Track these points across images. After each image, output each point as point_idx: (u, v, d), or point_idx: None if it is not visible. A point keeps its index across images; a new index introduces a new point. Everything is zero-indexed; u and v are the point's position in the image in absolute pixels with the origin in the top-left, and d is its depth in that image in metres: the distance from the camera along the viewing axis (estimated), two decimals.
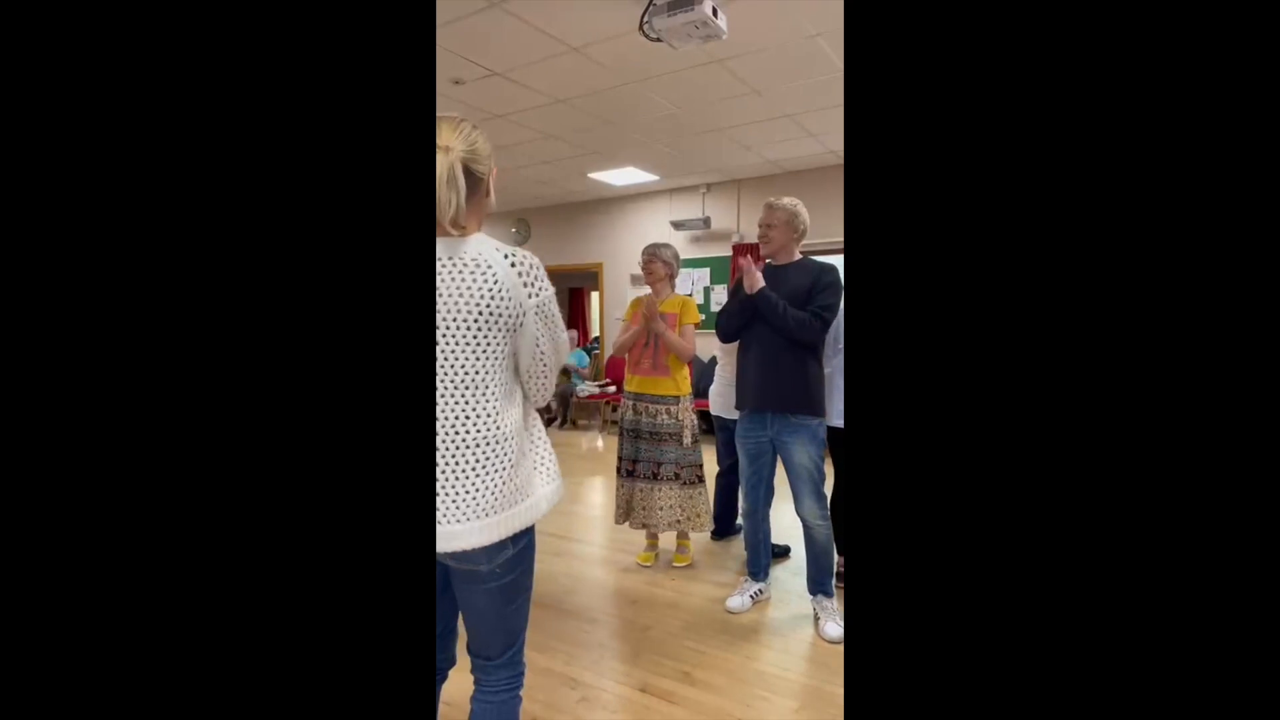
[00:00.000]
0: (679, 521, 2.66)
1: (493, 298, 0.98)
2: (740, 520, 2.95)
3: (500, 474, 1.01)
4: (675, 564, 2.77)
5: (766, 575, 2.43)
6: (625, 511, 2.74)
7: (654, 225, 6.25)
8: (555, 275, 7.73)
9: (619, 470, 2.77)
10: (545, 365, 1.07)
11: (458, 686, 1.15)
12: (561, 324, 1.09)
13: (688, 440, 2.66)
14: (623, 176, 5.67)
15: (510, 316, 0.99)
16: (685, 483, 2.66)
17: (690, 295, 5.90)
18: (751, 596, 2.37)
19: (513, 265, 0.99)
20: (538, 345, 1.04)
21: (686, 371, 2.71)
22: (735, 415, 2.40)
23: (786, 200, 2.19)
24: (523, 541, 1.07)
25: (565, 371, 6.79)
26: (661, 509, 2.66)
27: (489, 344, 0.99)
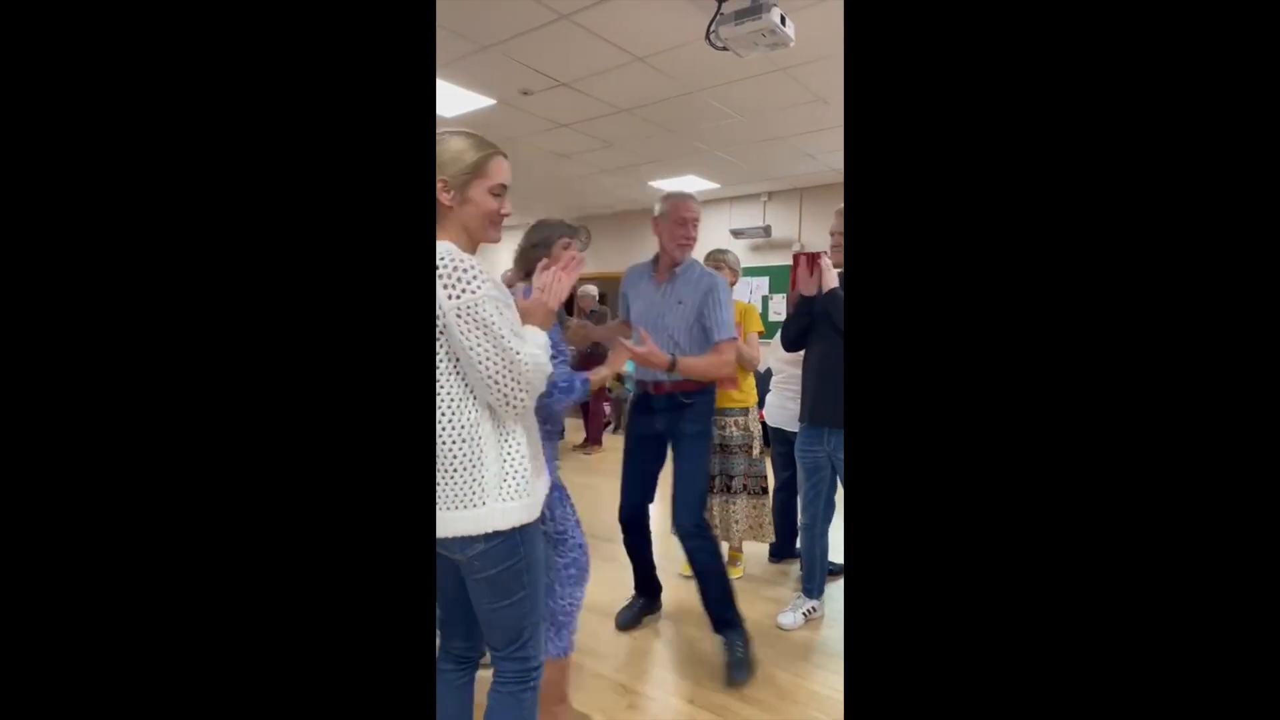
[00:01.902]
0: (748, 531, 2.63)
1: None
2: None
3: (438, 474, 1.03)
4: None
5: (821, 592, 2.37)
6: None
7: (714, 233, 6.23)
8: (613, 282, 7.81)
9: None
10: (484, 372, 1.00)
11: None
12: (503, 330, 1.01)
13: (756, 451, 2.63)
14: (683, 185, 5.68)
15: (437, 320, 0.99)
16: (752, 493, 2.63)
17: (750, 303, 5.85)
18: (805, 614, 2.32)
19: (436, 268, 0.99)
20: (470, 351, 0.99)
21: (753, 381, 2.68)
22: (794, 427, 2.36)
23: None
24: (498, 539, 1.05)
25: (619, 377, 6.82)
26: (736, 522, 2.62)
27: None
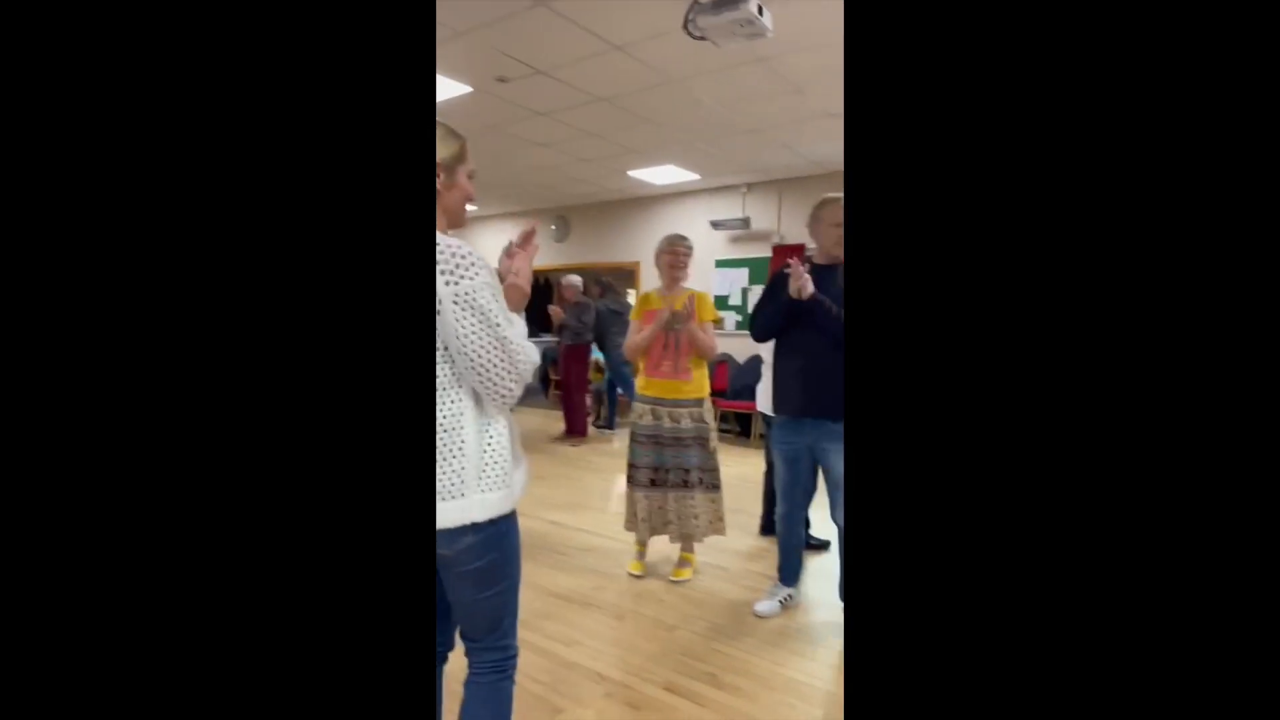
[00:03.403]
0: (708, 527, 2.58)
1: None
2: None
3: None
4: (673, 578, 2.61)
5: (797, 580, 2.40)
6: (638, 520, 2.62)
7: (692, 224, 6.23)
8: (592, 272, 7.79)
9: (632, 479, 2.61)
10: (478, 360, 1.01)
11: (461, 669, 1.18)
12: (503, 317, 1.02)
13: (713, 443, 2.57)
14: (662, 175, 5.67)
15: None
16: (708, 486, 2.56)
17: (706, 291, 5.87)
18: (781, 601, 2.34)
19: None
20: (464, 339, 1.00)
21: (706, 371, 2.62)
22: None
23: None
24: (486, 531, 1.06)
25: (600, 369, 6.81)
26: (696, 517, 2.56)
27: None
